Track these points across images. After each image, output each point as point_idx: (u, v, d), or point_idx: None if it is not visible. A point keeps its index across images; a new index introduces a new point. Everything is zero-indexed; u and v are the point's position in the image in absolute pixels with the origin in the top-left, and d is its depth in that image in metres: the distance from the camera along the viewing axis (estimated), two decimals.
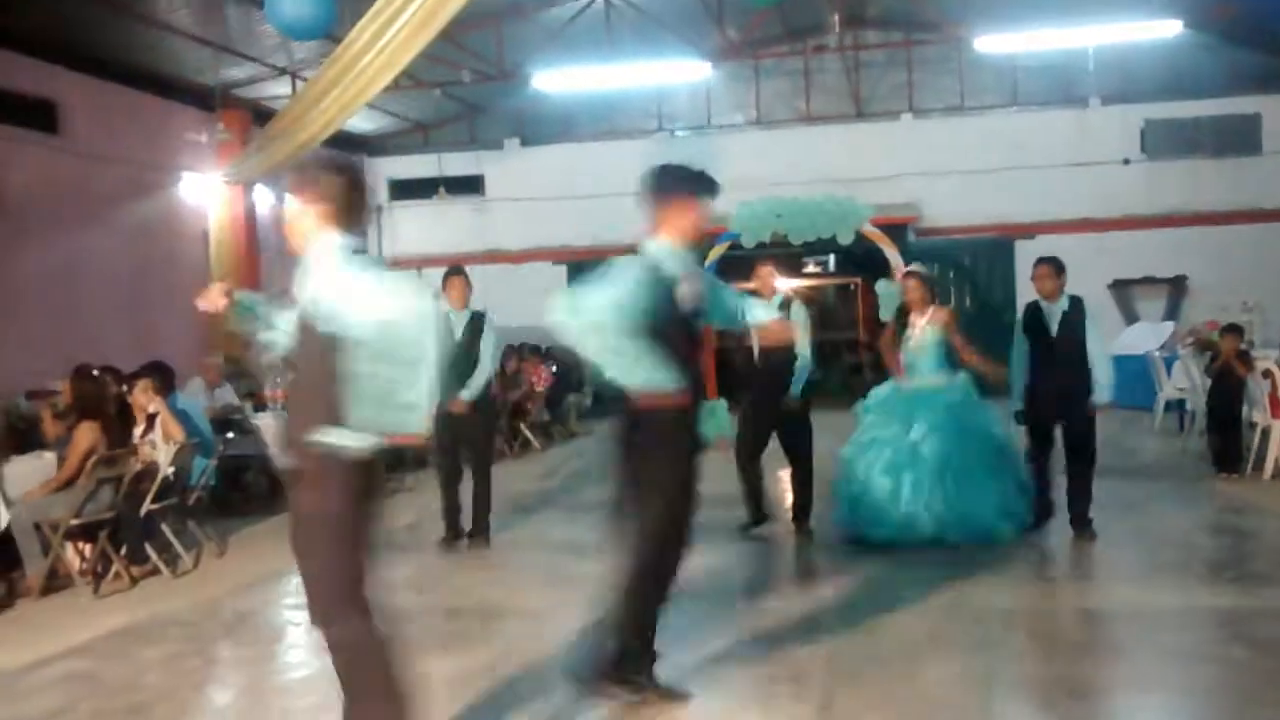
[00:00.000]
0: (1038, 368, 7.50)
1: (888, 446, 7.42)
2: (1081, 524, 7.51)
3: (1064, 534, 7.57)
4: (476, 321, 8.11)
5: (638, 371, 4.32)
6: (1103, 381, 7.40)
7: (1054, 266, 7.56)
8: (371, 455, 3.53)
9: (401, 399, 3.42)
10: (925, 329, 7.55)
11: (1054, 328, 7.46)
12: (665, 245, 4.63)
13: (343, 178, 3.66)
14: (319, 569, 3.60)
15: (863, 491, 7.42)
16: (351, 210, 3.67)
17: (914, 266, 7.98)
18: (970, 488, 7.21)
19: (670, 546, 4.56)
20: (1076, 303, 7.55)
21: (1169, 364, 12.88)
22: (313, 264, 3.61)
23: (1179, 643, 5.31)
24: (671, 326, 4.46)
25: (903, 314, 7.79)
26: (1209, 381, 10.32)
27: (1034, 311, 7.62)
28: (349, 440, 3.44)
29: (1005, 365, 7.64)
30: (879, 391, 7.87)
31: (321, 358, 3.44)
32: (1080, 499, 7.51)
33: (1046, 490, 7.59)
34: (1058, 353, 7.42)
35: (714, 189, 4.70)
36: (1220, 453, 9.93)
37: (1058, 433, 7.54)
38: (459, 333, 8.03)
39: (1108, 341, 16.53)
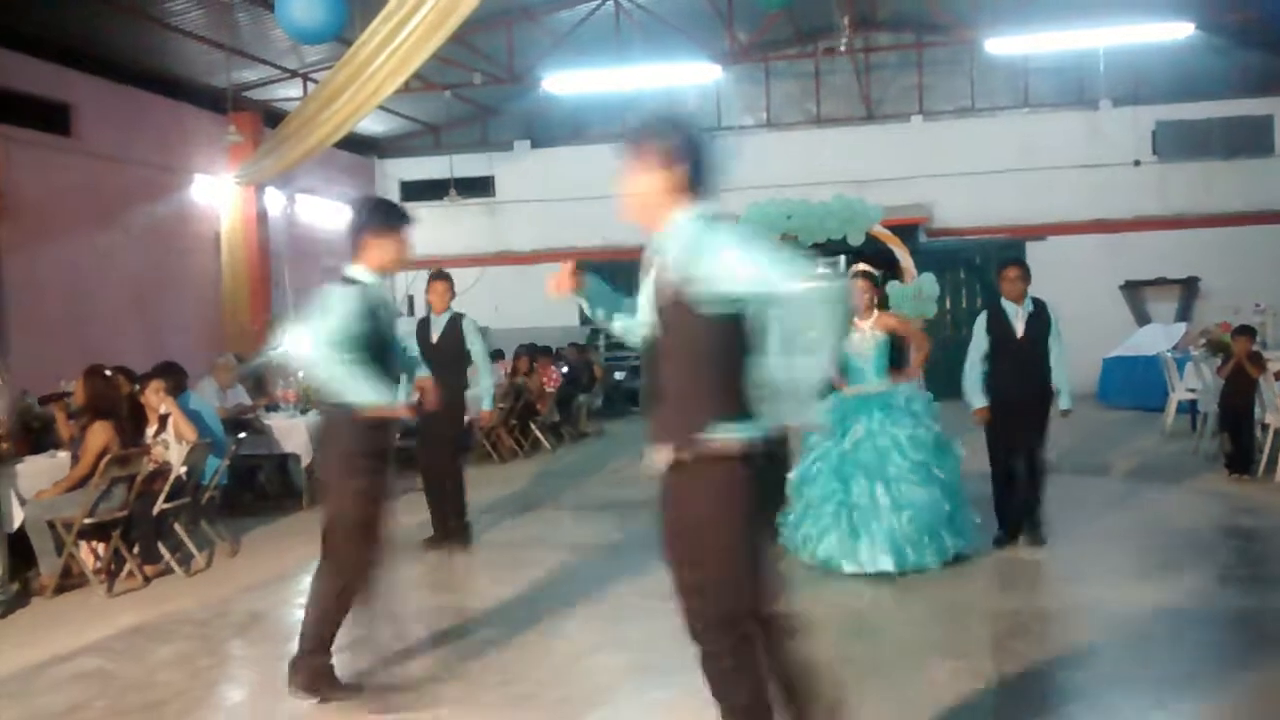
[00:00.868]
0: (1000, 369, 7.35)
1: (821, 462, 7.03)
2: (1034, 528, 7.40)
3: (1073, 535, 7.56)
4: (455, 324, 8.11)
5: (362, 390, 4.74)
6: (1068, 388, 7.37)
7: (1024, 269, 7.55)
8: (768, 450, 3.22)
9: (804, 386, 3.10)
10: (869, 333, 7.17)
11: (1019, 328, 7.41)
12: (366, 273, 4.98)
13: (691, 133, 3.38)
14: (710, 580, 3.26)
15: (801, 515, 7.06)
16: (707, 170, 3.35)
17: (863, 266, 7.46)
18: (902, 503, 6.72)
19: (350, 554, 4.87)
20: (1041, 306, 7.49)
21: (1181, 365, 12.85)
22: (671, 239, 3.27)
23: (1191, 644, 5.30)
24: (381, 346, 4.95)
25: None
26: (1221, 383, 10.29)
27: (996, 312, 7.54)
28: (748, 434, 3.14)
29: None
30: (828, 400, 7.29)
31: (707, 342, 3.15)
32: (1033, 506, 7.43)
33: (1011, 497, 7.40)
34: (1022, 354, 7.36)
35: (410, 222, 5.03)
36: (1232, 454, 9.90)
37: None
38: (437, 335, 8.07)
39: (1119, 342, 16.60)
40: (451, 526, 8.12)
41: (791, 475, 7.14)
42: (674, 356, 3.21)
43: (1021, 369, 7.31)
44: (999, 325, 7.42)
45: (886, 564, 6.60)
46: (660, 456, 3.22)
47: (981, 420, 7.41)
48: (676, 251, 3.19)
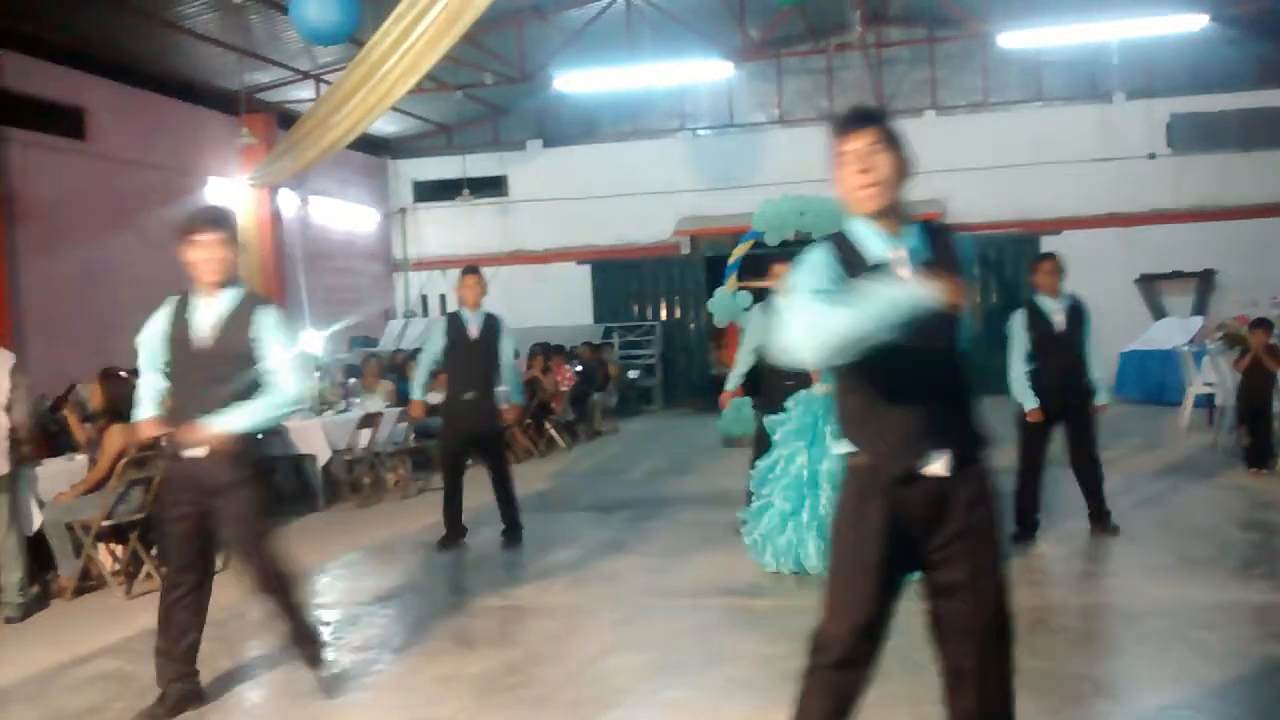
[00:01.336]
0: (1044, 366, 7.32)
1: (791, 464, 6.81)
2: (1101, 519, 7.48)
3: (1083, 533, 7.53)
4: (491, 323, 8.10)
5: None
6: (1105, 383, 7.37)
7: (1059, 263, 7.53)
8: None
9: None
10: None
11: (1060, 323, 7.40)
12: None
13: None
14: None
15: (771, 520, 6.80)
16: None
17: None
18: None
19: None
20: (1077, 301, 7.49)
21: (1198, 359, 12.79)
22: (915, 235, 3.09)
23: (1209, 639, 5.27)
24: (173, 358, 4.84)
25: None
26: (1238, 377, 10.23)
27: (1034, 307, 7.52)
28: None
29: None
30: (797, 399, 7.12)
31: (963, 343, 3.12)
32: (1096, 494, 7.46)
33: (1035, 494, 7.38)
34: (1062, 348, 7.35)
35: (198, 228, 4.81)
36: (1250, 448, 9.85)
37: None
38: (475, 332, 8.06)
39: (1135, 337, 16.52)
40: (512, 523, 8.18)
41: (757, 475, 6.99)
42: (944, 358, 3.05)
43: (1065, 364, 7.30)
44: (1039, 321, 7.37)
45: None
46: (940, 462, 3.00)
47: (1035, 419, 7.31)
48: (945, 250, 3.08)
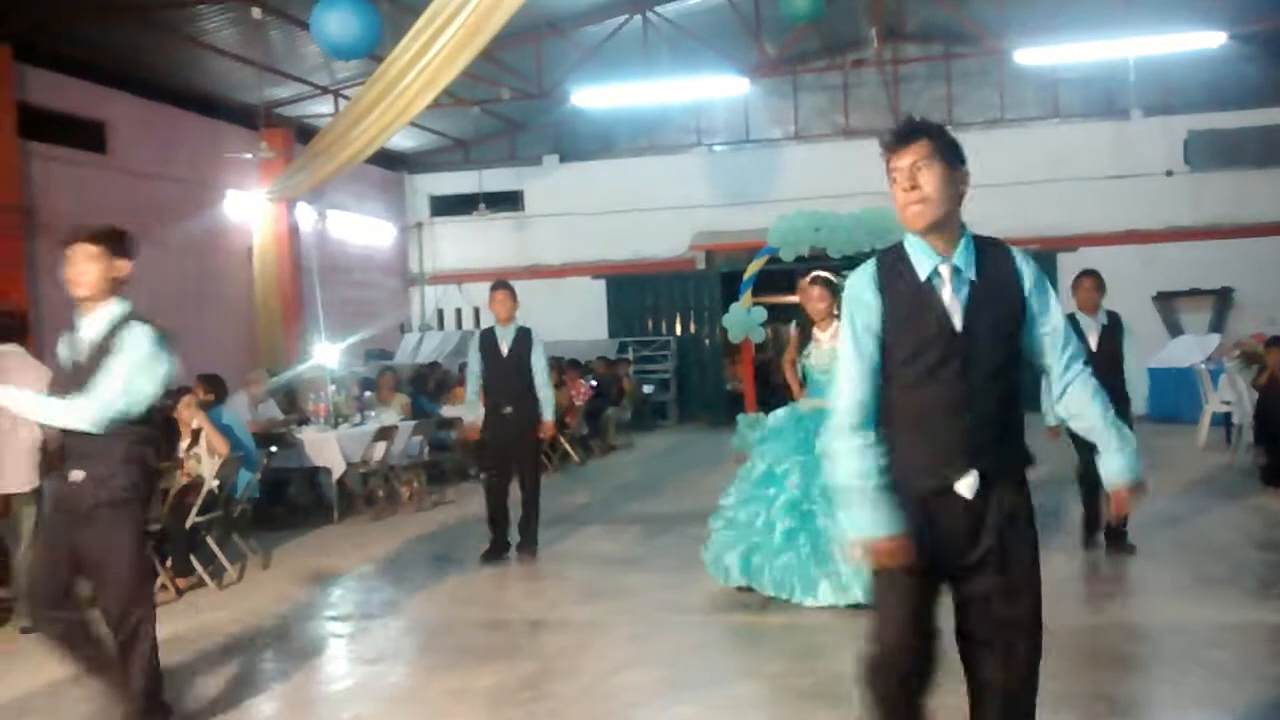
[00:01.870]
0: None
1: (779, 482, 6.60)
2: (1118, 539, 7.44)
3: (1105, 550, 7.49)
4: (523, 336, 8.13)
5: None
6: (1136, 398, 7.34)
7: (1098, 280, 7.49)
8: None
9: None
10: (827, 345, 6.65)
11: (1094, 341, 7.39)
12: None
13: None
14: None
15: (754, 540, 6.56)
16: None
17: (819, 272, 6.97)
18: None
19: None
20: (1115, 318, 7.48)
21: (1215, 377, 12.72)
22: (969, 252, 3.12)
23: (1226, 659, 5.24)
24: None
25: (807, 328, 6.95)
26: (1256, 395, 10.18)
27: (1072, 324, 7.48)
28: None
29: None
30: (777, 415, 6.99)
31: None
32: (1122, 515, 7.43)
33: (1095, 502, 7.42)
34: (1096, 367, 7.30)
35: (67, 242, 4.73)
36: (1268, 467, 9.79)
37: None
38: (506, 347, 8.09)
39: (1152, 354, 16.46)
40: (530, 537, 8.18)
41: (731, 500, 6.82)
42: (981, 381, 3.04)
43: (1099, 380, 7.24)
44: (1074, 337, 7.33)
45: (856, 595, 6.05)
46: (967, 481, 3.01)
47: (1052, 438, 7.23)
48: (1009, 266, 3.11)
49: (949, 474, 2.99)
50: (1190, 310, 17.72)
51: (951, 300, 3.00)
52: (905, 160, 3.00)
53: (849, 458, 3.04)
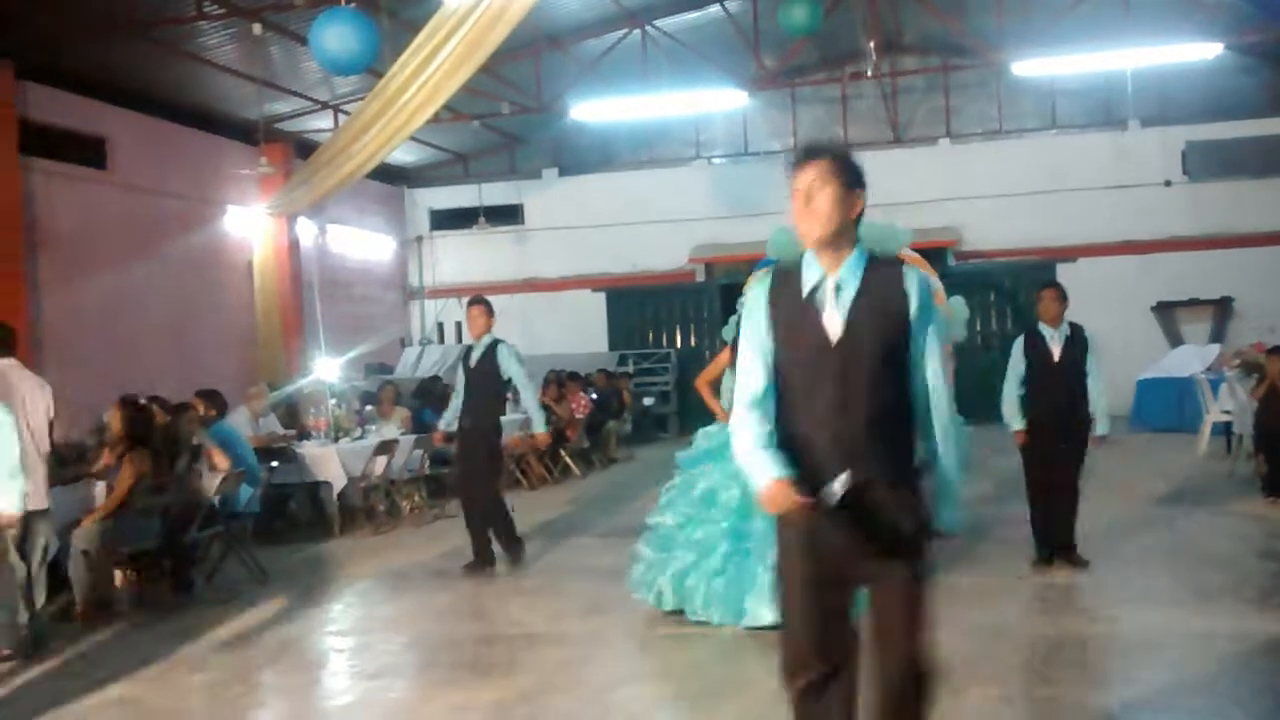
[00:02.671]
0: (1037, 393, 7.33)
1: (721, 505, 6.41)
2: (1069, 554, 7.38)
3: (1104, 560, 7.48)
4: (490, 349, 8.15)
5: None
6: (1104, 413, 7.32)
7: (1059, 291, 7.51)
8: None
9: None
10: None
11: (1056, 352, 7.39)
12: None
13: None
14: None
15: (682, 563, 6.38)
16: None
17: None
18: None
19: None
20: (1077, 330, 7.46)
21: (1215, 386, 12.72)
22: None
23: (1227, 669, 5.23)
24: None
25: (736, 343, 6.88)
26: (1255, 404, 10.17)
27: (1034, 335, 7.51)
28: None
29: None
30: (706, 433, 6.81)
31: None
32: (1067, 529, 7.39)
33: (1050, 520, 7.36)
34: (1059, 378, 7.32)
35: None
36: (1268, 476, 9.77)
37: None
38: (474, 361, 8.14)
39: (1152, 364, 16.45)
40: (504, 544, 8.19)
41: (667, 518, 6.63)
42: (867, 393, 3.20)
43: (1057, 393, 7.29)
44: (1035, 348, 7.39)
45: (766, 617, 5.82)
46: (842, 482, 3.17)
47: (1021, 442, 7.38)
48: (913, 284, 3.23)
49: (824, 476, 3.10)
50: (1190, 320, 17.74)
51: (831, 314, 3.15)
52: (805, 179, 3.16)
53: (745, 431, 3.21)
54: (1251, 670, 5.26)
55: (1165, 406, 15.51)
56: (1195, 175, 17.95)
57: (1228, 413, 12.19)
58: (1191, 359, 15.53)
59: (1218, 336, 17.17)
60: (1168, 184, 18.02)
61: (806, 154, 3.20)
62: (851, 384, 3.12)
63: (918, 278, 3.20)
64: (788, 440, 3.18)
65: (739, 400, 3.26)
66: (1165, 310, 17.77)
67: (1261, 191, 17.62)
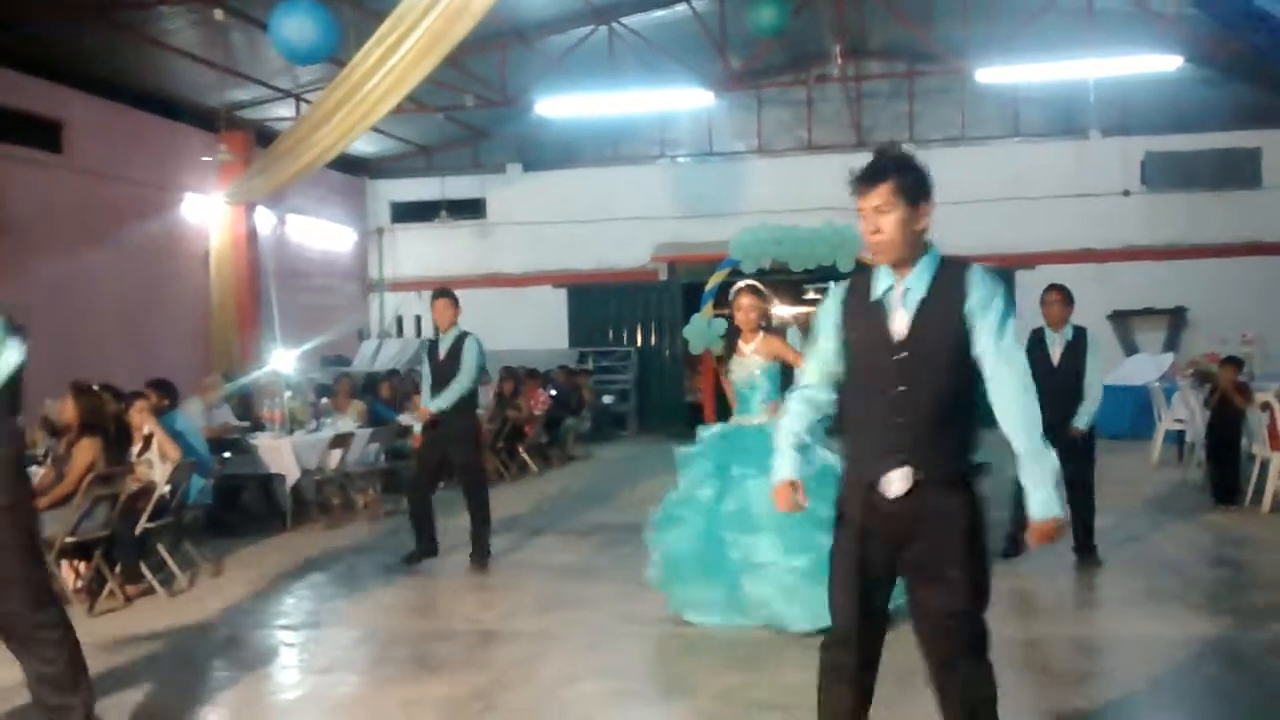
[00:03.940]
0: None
1: (698, 503, 6.34)
2: (1087, 553, 7.50)
3: (1060, 563, 7.55)
4: (458, 340, 8.12)
5: None
6: (1088, 409, 7.36)
7: (1064, 294, 7.52)
8: None
9: None
10: (750, 358, 6.42)
11: (1056, 356, 7.44)
12: None
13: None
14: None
15: (677, 561, 6.31)
16: None
17: (749, 282, 6.64)
18: (790, 550, 5.85)
19: None
20: (1080, 333, 7.52)
21: (1169, 395, 12.88)
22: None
23: (1176, 673, 5.29)
24: None
25: (733, 338, 6.64)
26: (1208, 413, 10.31)
27: (1038, 338, 7.55)
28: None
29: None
30: (704, 432, 6.69)
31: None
32: (1083, 529, 7.50)
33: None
34: (1056, 382, 7.37)
35: None
36: (1219, 484, 9.92)
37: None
38: (443, 353, 8.09)
39: (1107, 372, 16.61)
40: (479, 546, 8.12)
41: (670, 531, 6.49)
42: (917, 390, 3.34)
43: (1056, 397, 7.28)
44: (1035, 351, 7.33)
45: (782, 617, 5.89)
46: (898, 479, 3.31)
47: (1077, 435, 7.32)
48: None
49: (881, 470, 3.26)
50: (1145, 329, 17.94)
51: (898, 316, 3.28)
52: (870, 203, 3.26)
53: (789, 416, 3.54)
54: (1199, 674, 5.32)
55: (1119, 414, 15.68)
56: (1153, 186, 18.16)
57: (1180, 421, 12.36)
58: (1146, 367, 15.73)
59: (1172, 346, 17.38)
60: (1126, 194, 18.22)
61: (871, 176, 3.26)
62: (914, 381, 3.24)
63: (979, 272, 3.30)
64: (851, 435, 3.41)
65: (795, 390, 3.58)
66: (1121, 319, 17.96)
67: (1217, 203, 17.86)
